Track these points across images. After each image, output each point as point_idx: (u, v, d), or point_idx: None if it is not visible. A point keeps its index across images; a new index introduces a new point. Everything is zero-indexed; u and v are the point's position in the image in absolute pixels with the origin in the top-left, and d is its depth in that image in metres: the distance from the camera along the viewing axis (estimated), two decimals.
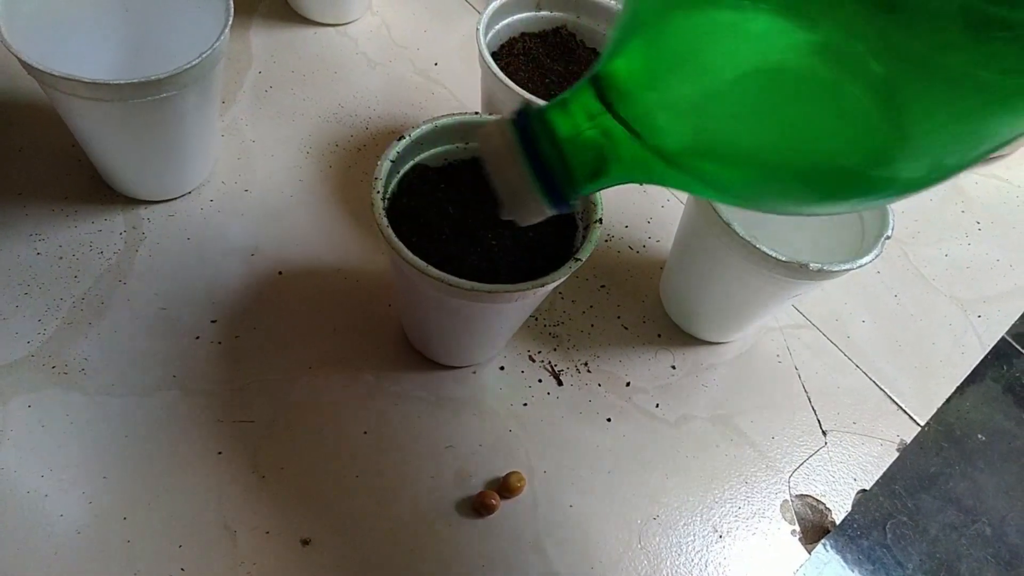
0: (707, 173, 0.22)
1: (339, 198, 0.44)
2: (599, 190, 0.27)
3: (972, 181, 0.56)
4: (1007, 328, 0.49)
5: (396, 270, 0.34)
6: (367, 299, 0.41)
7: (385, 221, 0.31)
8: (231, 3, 0.36)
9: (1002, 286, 0.50)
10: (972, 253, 0.52)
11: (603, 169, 0.24)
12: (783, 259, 0.34)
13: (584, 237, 0.33)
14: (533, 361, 0.41)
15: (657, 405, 0.41)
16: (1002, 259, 0.52)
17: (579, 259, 0.32)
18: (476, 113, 0.36)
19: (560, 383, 0.40)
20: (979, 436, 0.65)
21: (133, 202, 0.42)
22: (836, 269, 0.34)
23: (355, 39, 0.52)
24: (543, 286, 0.31)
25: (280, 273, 0.41)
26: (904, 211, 0.53)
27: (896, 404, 0.44)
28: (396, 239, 0.30)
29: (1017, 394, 0.69)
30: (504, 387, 0.40)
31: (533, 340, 0.41)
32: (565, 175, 0.24)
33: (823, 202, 0.22)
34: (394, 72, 0.51)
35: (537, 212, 0.26)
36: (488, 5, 0.41)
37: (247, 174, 0.44)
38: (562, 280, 0.32)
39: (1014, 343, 0.68)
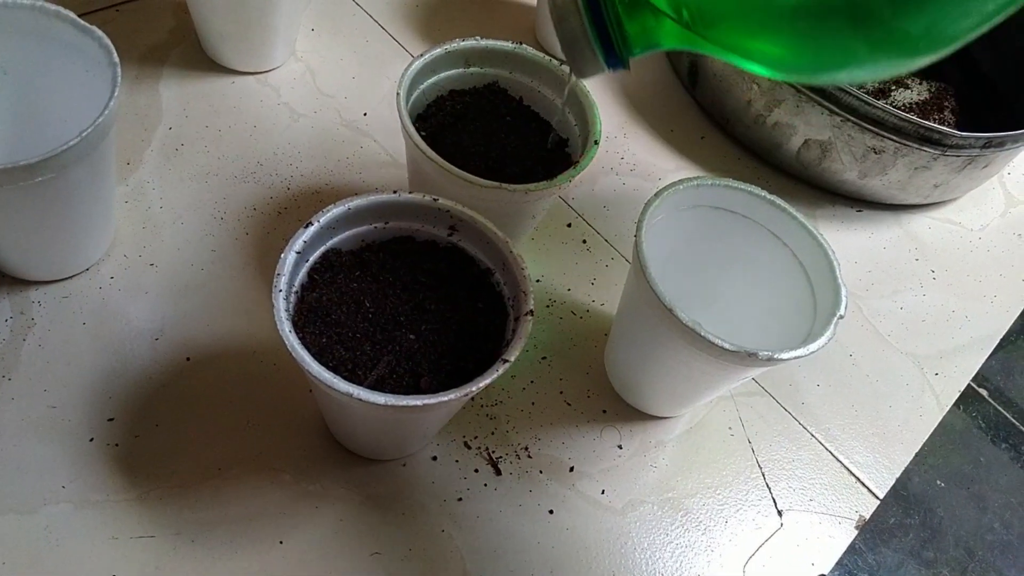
0: (730, 41, 0.25)
1: (255, 269, 0.41)
2: (651, 52, 0.29)
3: (925, 226, 0.54)
4: (964, 385, 0.47)
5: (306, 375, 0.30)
6: (285, 385, 0.37)
7: (288, 326, 0.28)
8: (118, 71, 0.33)
9: (958, 339, 0.49)
10: (927, 304, 0.50)
11: (653, 38, 0.27)
12: (730, 348, 0.31)
13: (515, 331, 0.30)
14: (469, 448, 0.38)
15: (603, 491, 0.38)
16: (958, 310, 0.50)
17: (508, 360, 0.29)
18: (395, 192, 0.33)
19: (498, 472, 0.37)
20: (938, 483, 0.63)
21: (21, 283, 0.38)
22: (786, 357, 0.32)
23: (277, 88, 0.49)
24: (465, 395, 0.28)
25: (188, 359, 0.37)
26: (858, 261, 0.51)
27: (854, 476, 0.41)
28: (299, 347, 0.27)
29: (975, 437, 0.68)
30: (437, 480, 0.36)
31: (469, 424, 0.38)
32: (620, 35, 0.27)
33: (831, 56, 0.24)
34: (319, 124, 0.48)
35: (594, 65, 0.29)
36: (410, 65, 0.37)
37: (153, 245, 0.41)
38: (488, 383, 0.29)
39: (972, 383, 0.67)
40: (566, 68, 0.40)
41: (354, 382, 0.27)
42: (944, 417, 0.47)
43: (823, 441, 0.42)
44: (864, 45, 0.22)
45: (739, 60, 0.25)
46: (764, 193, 0.37)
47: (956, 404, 0.49)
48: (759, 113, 0.52)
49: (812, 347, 0.32)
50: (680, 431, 0.41)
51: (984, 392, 0.73)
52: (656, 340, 0.35)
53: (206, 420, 0.36)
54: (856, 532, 0.40)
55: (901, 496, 0.61)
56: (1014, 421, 0.69)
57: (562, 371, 0.41)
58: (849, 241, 0.52)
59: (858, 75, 0.24)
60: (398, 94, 0.36)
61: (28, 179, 0.30)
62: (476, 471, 0.37)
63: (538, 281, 0.44)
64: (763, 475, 0.40)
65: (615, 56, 0.28)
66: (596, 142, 0.38)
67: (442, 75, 0.40)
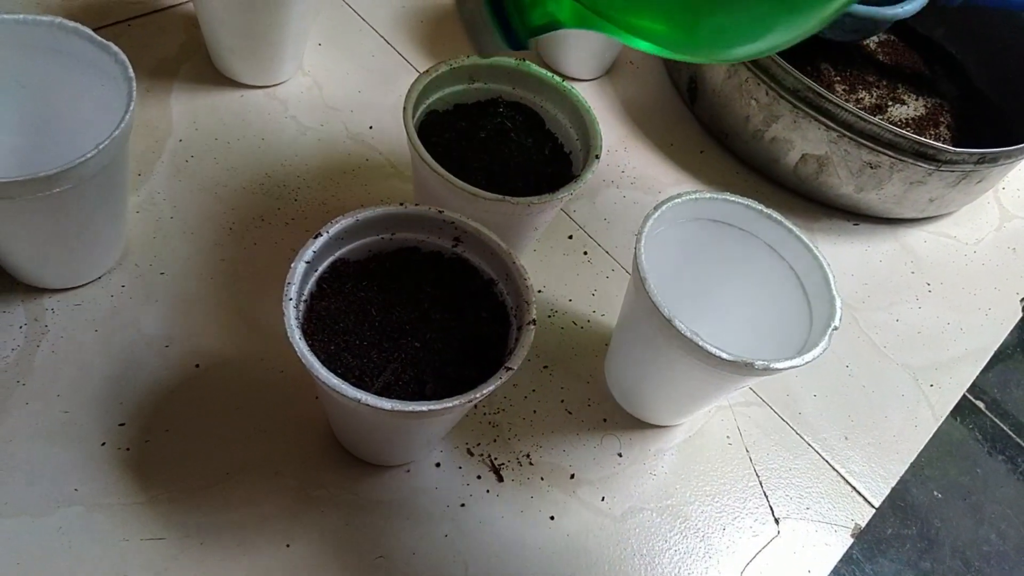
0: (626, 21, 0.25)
1: (264, 278, 0.42)
2: (550, 31, 0.29)
3: (921, 240, 0.55)
4: (959, 396, 0.48)
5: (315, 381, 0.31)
6: (292, 392, 0.38)
7: (298, 334, 0.28)
8: (134, 86, 0.34)
9: (953, 351, 0.49)
10: (923, 317, 0.51)
11: (550, 15, 0.27)
12: (728, 357, 0.32)
13: (517, 340, 0.31)
14: (472, 455, 0.38)
15: (603, 498, 0.39)
16: (952, 322, 0.51)
17: (511, 368, 0.30)
18: (402, 204, 0.33)
19: (500, 479, 0.38)
20: (935, 494, 0.64)
21: (35, 291, 0.39)
22: (782, 367, 0.32)
23: (284, 102, 0.50)
24: (470, 401, 0.28)
25: (197, 366, 0.38)
26: (854, 274, 0.52)
27: (850, 485, 0.42)
28: (309, 354, 0.28)
29: (972, 448, 0.68)
30: (440, 486, 0.37)
31: (472, 431, 0.39)
32: (517, 14, 0.27)
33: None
34: (326, 137, 0.49)
35: (494, 45, 0.29)
36: (417, 81, 0.38)
37: (163, 255, 0.41)
38: (492, 390, 0.29)
39: (969, 395, 0.68)
40: (567, 84, 0.41)
41: (361, 388, 0.28)
42: (942, 429, 0.47)
43: (819, 450, 0.43)
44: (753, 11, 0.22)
45: (627, 38, 0.25)
46: (761, 207, 0.38)
47: (953, 416, 0.50)
48: (757, 128, 0.53)
49: (807, 357, 0.33)
50: (679, 440, 0.42)
51: (981, 404, 0.74)
52: (655, 350, 0.36)
53: (215, 426, 0.36)
54: (852, 540, 0.41)
55: (899, 507, 0.61)
56: (1011, 433, 0.70)
57: (563, 380, 0.42)
58: (846, 254, 0.53)
59: (741, 48, 0.24)
60: (405, 109, 0.37)
61: (45, 190, 0.31)
62: (479, 477, 0.38)
63: (540, 292, 0.45)
64: (760, 483, 0.41)
65: (513, 35, 0.28)
66: (597, 156, 0.39)
67: (447, 91, 0.41)
